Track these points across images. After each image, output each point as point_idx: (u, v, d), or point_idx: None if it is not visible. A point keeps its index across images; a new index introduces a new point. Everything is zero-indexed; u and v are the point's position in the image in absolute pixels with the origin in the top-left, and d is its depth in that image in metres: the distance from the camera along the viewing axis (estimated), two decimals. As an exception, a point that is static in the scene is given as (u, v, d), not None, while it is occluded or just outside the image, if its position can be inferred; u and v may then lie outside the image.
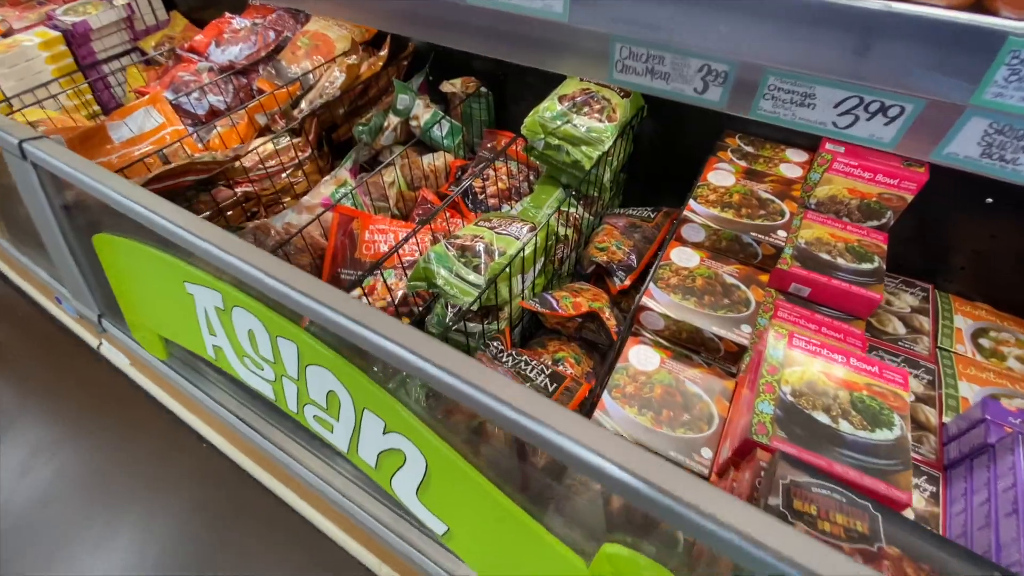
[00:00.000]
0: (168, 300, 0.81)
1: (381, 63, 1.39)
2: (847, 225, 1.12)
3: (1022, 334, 1.12)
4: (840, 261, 1.06)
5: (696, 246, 1.06)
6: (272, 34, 1.56)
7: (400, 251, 1.13)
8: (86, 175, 0.78)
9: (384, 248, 1.13)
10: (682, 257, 1.04)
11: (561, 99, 1.18)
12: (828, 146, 1.10)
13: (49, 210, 0.88)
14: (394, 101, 1.36)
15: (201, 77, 1.51)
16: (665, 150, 1.37)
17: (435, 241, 1.17)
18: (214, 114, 1.49)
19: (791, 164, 1.11)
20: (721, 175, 1.11)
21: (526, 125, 1.19)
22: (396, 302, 1.06)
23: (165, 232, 0.72)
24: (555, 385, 0.90)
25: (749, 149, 1.16)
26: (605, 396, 0.90)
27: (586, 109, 1.16)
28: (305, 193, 1.35)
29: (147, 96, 1.29)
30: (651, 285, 0.99)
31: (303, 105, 1.33)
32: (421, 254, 1.14)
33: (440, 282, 0.95)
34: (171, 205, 0.73)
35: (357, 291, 1.09)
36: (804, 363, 0.81)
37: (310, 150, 1.31)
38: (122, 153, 1.23)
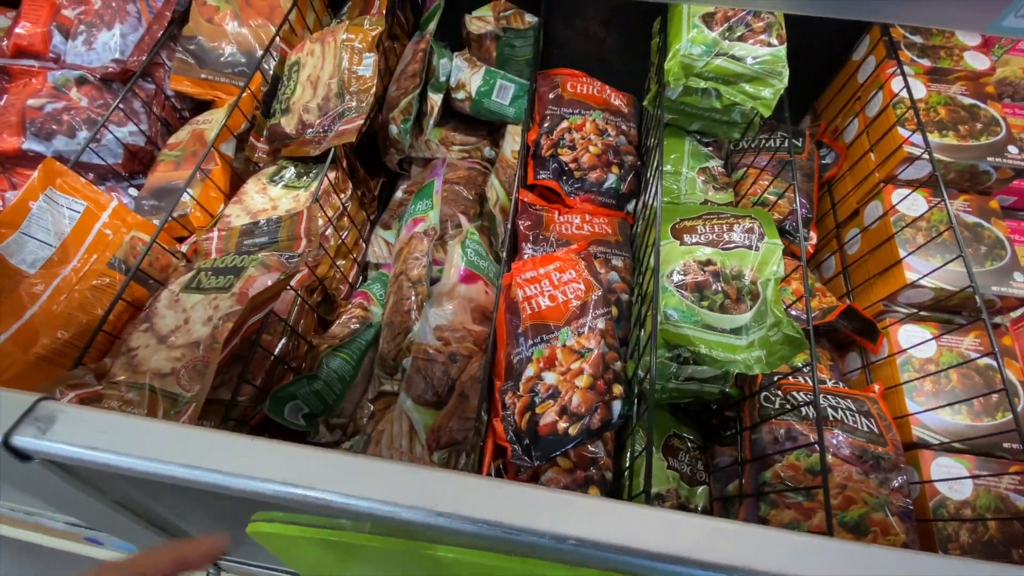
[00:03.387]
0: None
1: (384, 13, 0.90)
2: (1015, 108, 1.00)
3: None
4: (1038, 155, 0.95)
5: (911, 183, 0.88)
6: (158, -7, 0.95)
7: (566, 297, 0.84)
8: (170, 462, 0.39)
9: (546, 302, 0.82)
10: (909, 205, 0.86)
11: (708, 20, 0.84)
12: (1018, 18, 0.91)
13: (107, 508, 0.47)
14: (433, 71, 0.91)
15: (71, 98, 0.91)
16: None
17: (591, 264, 0.87)
18: (134, 157, 0.92)
19: (973, 51, 0.92)
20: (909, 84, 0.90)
21: (669, 71, 0.85)
22: (598, 370, 0.79)
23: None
24: (865, 420, 0.74)
25: (918, 39, 0.95)
26: (911, 406, 0.77)
27: (743, 30, 0.84)
28: (356, 245, 0.93)
29: (35, 172, 0.73)
30: (903, 253, 0.82)
31: (305, 115, 0.84)
32: (585, 289, 0.85)
33: (703, 349, 0.70)
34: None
35: (531, 368, 0.80)
36: None
37: (351, 186, 0.86)
38: (57, 289, 0.71)
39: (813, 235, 0.97)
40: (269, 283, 0.65)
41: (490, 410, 0.79)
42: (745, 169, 1.01)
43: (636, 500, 0.75)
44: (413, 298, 0.75)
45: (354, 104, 0.80)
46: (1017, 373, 0.81)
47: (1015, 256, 0.83)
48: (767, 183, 0.96)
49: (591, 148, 1.05)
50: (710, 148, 1.03)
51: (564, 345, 0.80)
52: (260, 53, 0.91)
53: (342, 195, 0.84)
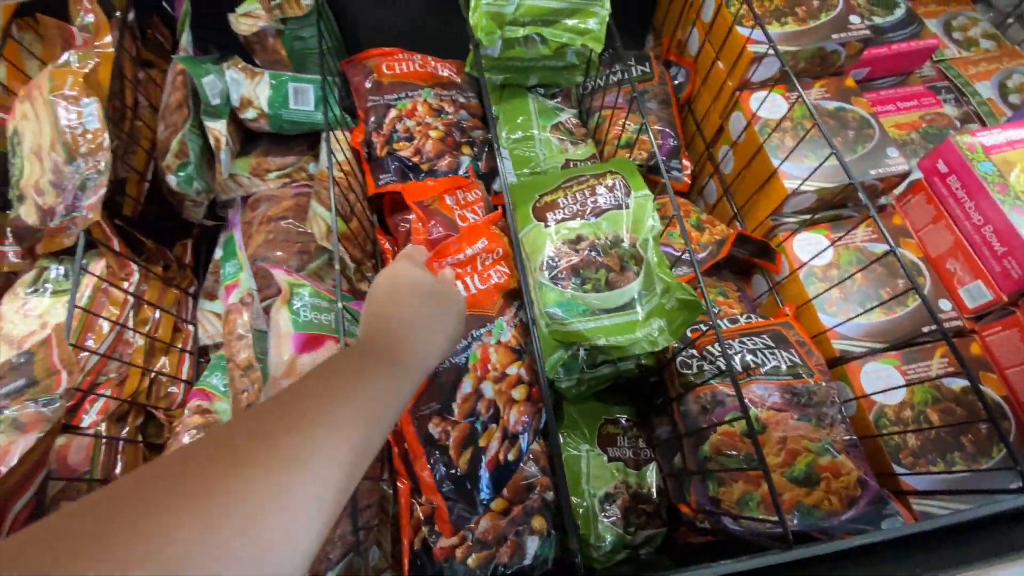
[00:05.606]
0: None
1: (101, 41, 0.69)
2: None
3: (968, 11, 1.15)
4: (876, 20, 0.92)
5: (766, 84, 0.81)
6: None
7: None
8: None
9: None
10: (769, 108, 0.79)
11: (503, -40, 0.71)
12: None
13: None
14: (201, 96, 0.72)
15: None
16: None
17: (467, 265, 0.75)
18: None
19: (790, -77, 0.85)
20: (736, -24, 0.82)
21: (477, 26, 0.72)
22: (532, 374, 0.67)
23: None
24: (785, 353, 0.68)
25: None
26: (826, 320, 0.72)
27: (545, -41, 0.72)
28: (179, 332, 0.75)
29: None
30: (776, 162, 0.75)
31: (39, 198, 0.64)
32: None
33: (601, 341, 0.60)
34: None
35: (468, 382, 0.68)
36: (1019, 159, 0.69)
37: (135, 267, 0.67)
38: None
39: (687, 163, 0.90)
40: (25, 448, 0.48)
41: (392, 475, 0.67)
42: (599, 113, 0.91)
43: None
44: (250, 389, 0.60)
45: (92, 168, 0.61)
46: (914, 250, 0.78)
47: (883, 131, 0.79)
48: (626, 122, 0.86)
49: (432, 133, 0.91)
50: (558, 100, 0.92)
51: (499, 342, 0.65)
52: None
53: (126, 283, 0.66)
